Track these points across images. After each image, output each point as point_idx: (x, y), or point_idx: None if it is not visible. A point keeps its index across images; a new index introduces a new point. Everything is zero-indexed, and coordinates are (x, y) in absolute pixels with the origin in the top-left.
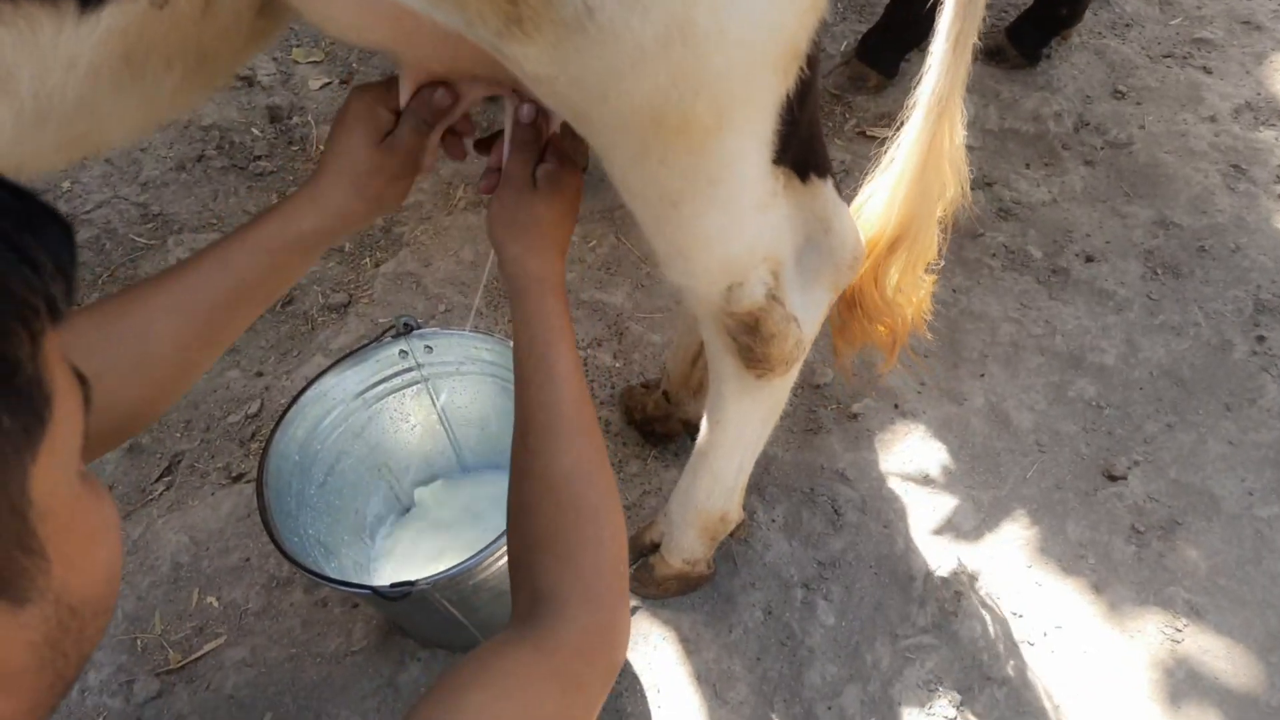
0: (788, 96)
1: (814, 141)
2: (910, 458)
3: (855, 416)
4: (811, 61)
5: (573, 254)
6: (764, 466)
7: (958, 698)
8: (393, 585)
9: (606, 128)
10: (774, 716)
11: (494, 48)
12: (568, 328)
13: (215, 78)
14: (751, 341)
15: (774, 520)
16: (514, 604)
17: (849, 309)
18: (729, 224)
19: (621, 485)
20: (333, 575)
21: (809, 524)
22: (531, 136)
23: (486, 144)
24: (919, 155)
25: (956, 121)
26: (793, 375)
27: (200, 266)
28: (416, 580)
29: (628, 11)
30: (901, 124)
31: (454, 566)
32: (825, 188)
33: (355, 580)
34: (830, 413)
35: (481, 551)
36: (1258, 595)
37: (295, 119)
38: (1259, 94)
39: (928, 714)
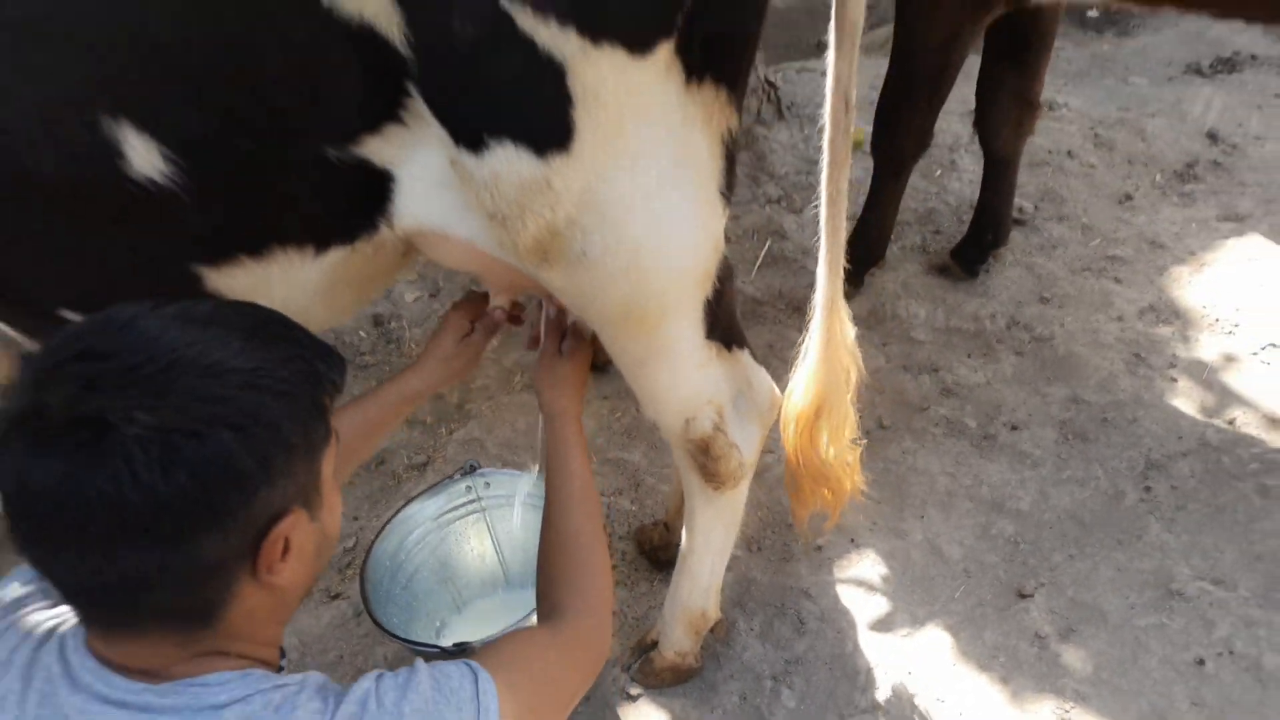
0: (707, 299)
1: (732, 325)
2: (862, 579)
3: (819, 548)
4: (722, 277)
5: (600, 421)
6: (745, 587)
7: None
8: (454, 644)
9: (598, 318)
10: None
11: (534, 274)
12: (581, 442)
13: (371, 292)
14: (706, 461)
15: (751, 628)
16: (538, 614)
17: (798, 474)
18: (680, 378)
19: (632, 601)
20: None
21: (779, 630)
22: (556, 324)
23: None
24: (821, 348)
25: (845, 321)
26: (742, 490)
27: (350, 410)
28: (471, 641)
29: (602, 253)
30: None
31: (500, 630)
32: (744, 356)
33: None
34: (799, 546)
35: (519, 620)
36: (1133, 686)
37: (393, 324)
38: (1160, 298)
39: None
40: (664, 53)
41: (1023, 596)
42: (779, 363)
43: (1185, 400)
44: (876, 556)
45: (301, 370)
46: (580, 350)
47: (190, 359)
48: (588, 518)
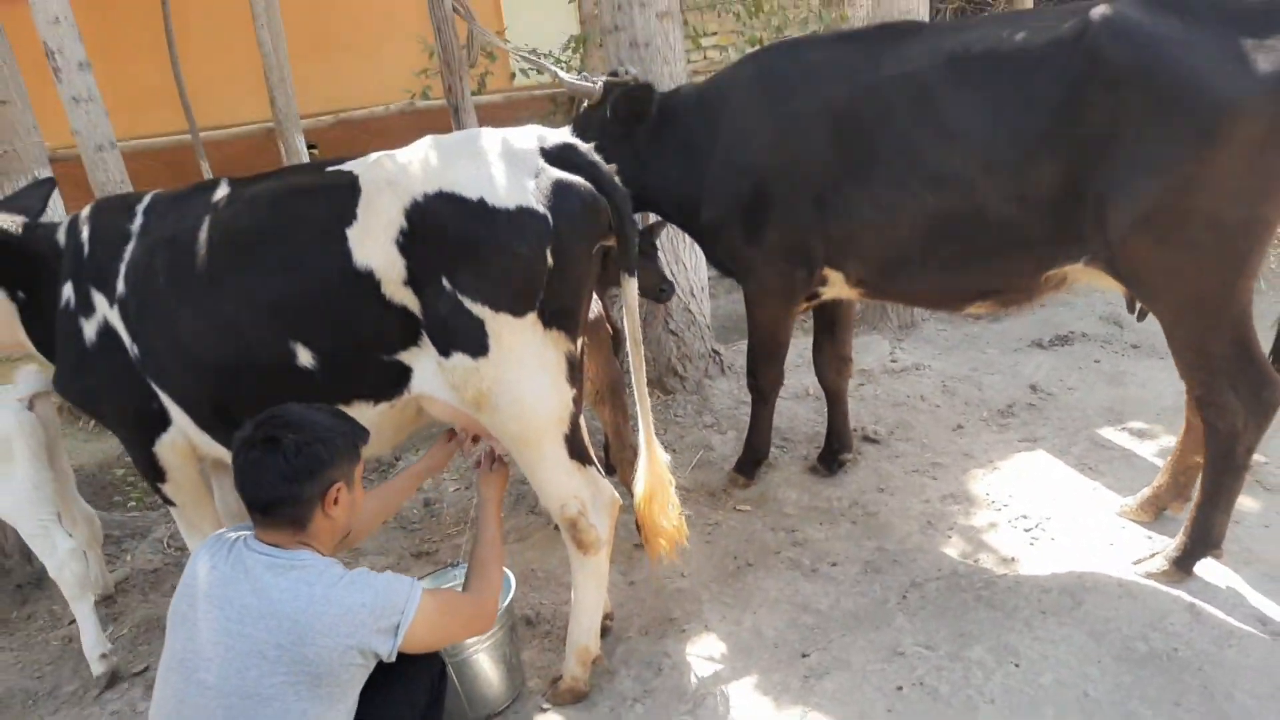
0: (565, 434)
1: (584, 451)
2: (705, 646)
3: (684, 630)
4: (574, 423)
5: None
6: (628, 648)
7: None
8: None
9: (508, 441)
10: None
11: (475, 415)
12: (497, 518)
13: (399, 436)
14: (575, 534)
15: (628, 672)
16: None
17: (647, 533)
18: (556, 479)
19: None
20: None
21: (643, 673)
22: (489, 454)
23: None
24: (647, 468)
25: (659, 453)
26: (603, 556)
27: (381, 489)
28: None
29: (506, 405)
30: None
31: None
32: (592, 470)
33: None
34: (665, 626)
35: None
36: (856, 702)
37: (436, 506)
38: (958, 489)
39: None
40: (531, 315)
41: (804, 656)
42: (698, 520)
43: (952, 549)
44: (719, 634)
45: (349, 429)
46: (501, 468)
47: (310, 419)
48: (491, 558)
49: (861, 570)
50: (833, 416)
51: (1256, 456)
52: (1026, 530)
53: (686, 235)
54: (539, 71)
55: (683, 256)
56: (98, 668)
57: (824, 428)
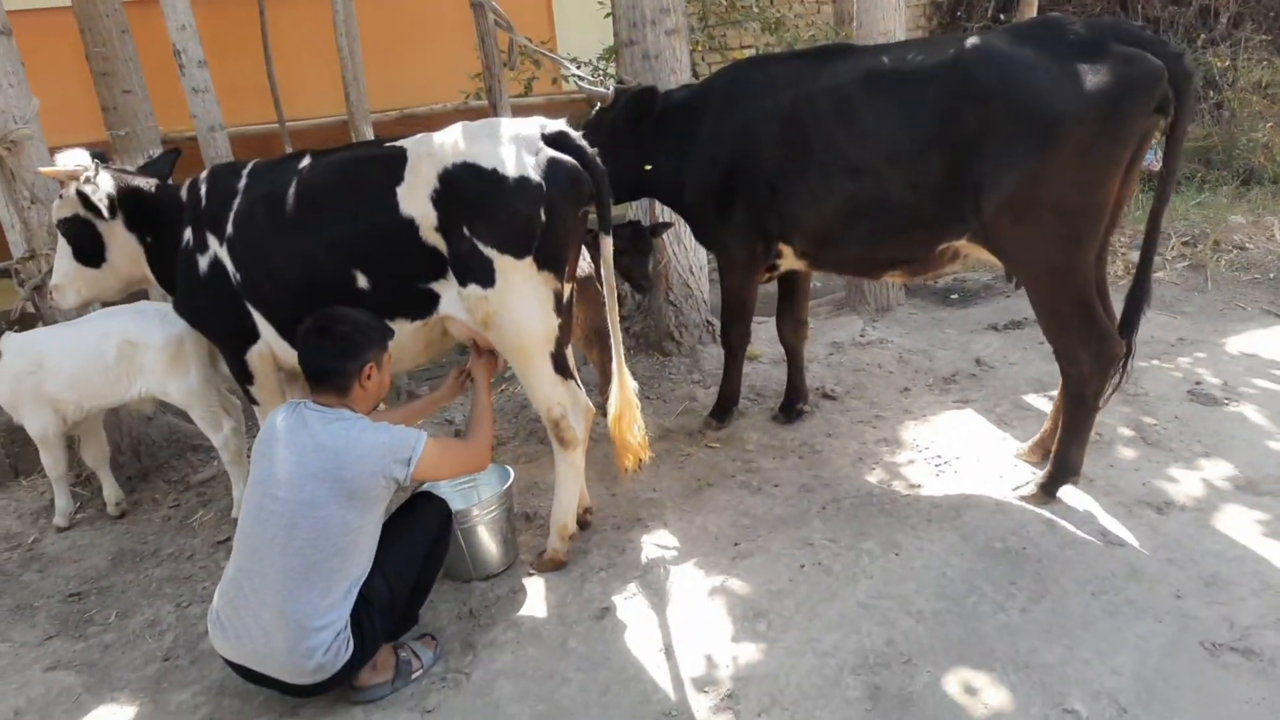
0: (552, 353)
1: (566, 367)
2: (662, 537)
3: (646, 524)
4: (559, 344)
5: None
6: (602, 536)
7: None
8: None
9: (507, 352)
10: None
11: (484, 332)
12: (487, 391)
13: (428, 351)
14: (558, 433)
15: (598, 551)
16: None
17: (617, 447)
18: (544, 387)
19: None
20: None
21: (610, 553)
22: (479, 351)
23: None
24: (619, 391)
25: (629, 381)
26: (579, 452)
27: (403, 407)
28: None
29: (507, 324)
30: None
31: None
32: (573, 384)
33: None
34: (634, 524)
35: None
36: (763, 569)
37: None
38: (892, 435)
39: None
40: (528, 259)
41: (735, 545)
42: (674, 453)
43: (873, 477)
44: (673, 530)
45: (381, 327)
46: (490, 358)
47: (353, 316)
48: (483, 418)
49: (796, 490)
50: (791, 372)
51: (1144, 417)
52: (936, 466)
53: (686, 226)
54: (575, 77)
55: (684, 239)
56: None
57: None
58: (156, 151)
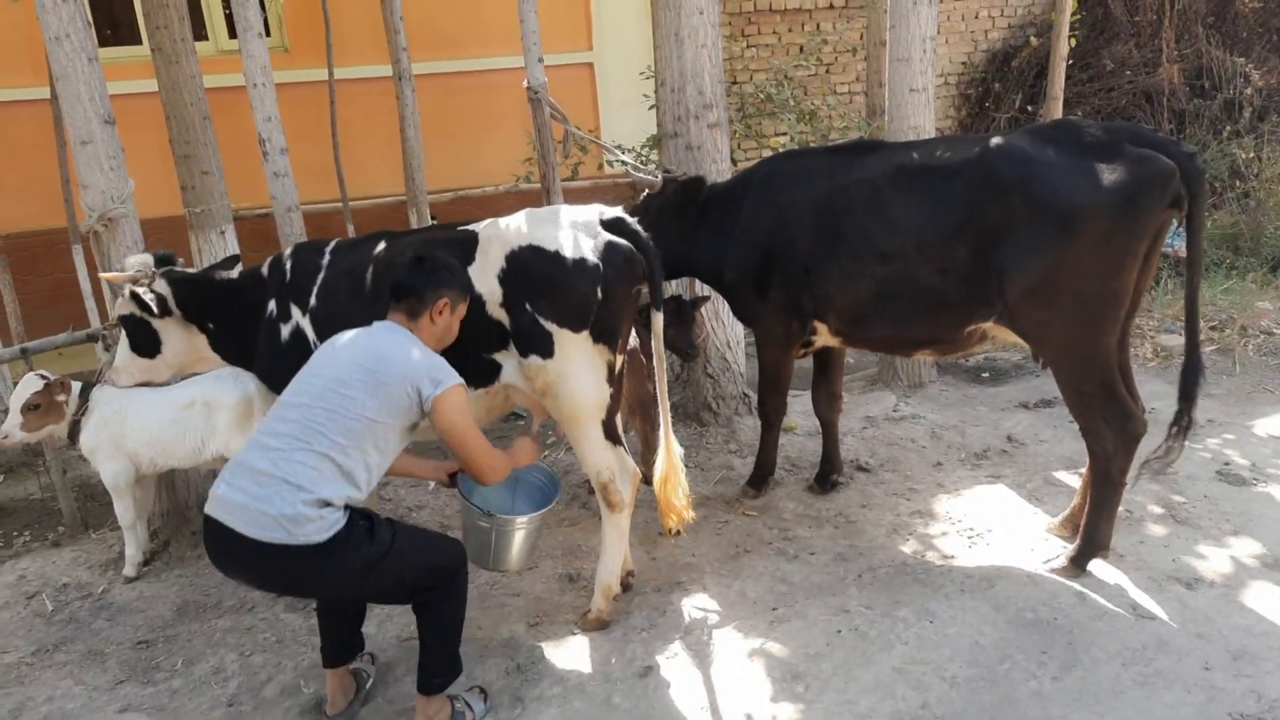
0: (603, 420)
1: (616, 435)
2: (701, 601)
3: (685, 588)
4: (610, 413)
5: None
6: (643, 598)
7: None
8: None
9: (561, 419)
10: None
11: (541, 400)
12: (519, 459)
13: (492, 415)
14: (606, 496)
15: (640, 613)
16: None
17: (662, 509)
18: (594, 452)
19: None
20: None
21: (651, 615)
22: (528, 428)
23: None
24: (664, 458)
25: (675, 447)
26: (626, 515)
27: (420, 460)
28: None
29: (562, 394)
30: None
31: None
32: (622, 450)
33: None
34: (673, 586)
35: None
36: (803, 631)
37: None
38: (925, 507)
39: None
40: (585, 332)
41: (773, 609)
42: (712, 519)
43: (907, 548)
44: (712, 593)
45: (466, 280)
46: (536, 443)
47: (448, 261)
48: (509, 465)
49: (832, 558)
50: (826, 444)
51: (1174, 496)
52: (969, 537)
53: (723, 301)
54: (617, 164)
55: (722, 315)
56: None
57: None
58: (228, 228)
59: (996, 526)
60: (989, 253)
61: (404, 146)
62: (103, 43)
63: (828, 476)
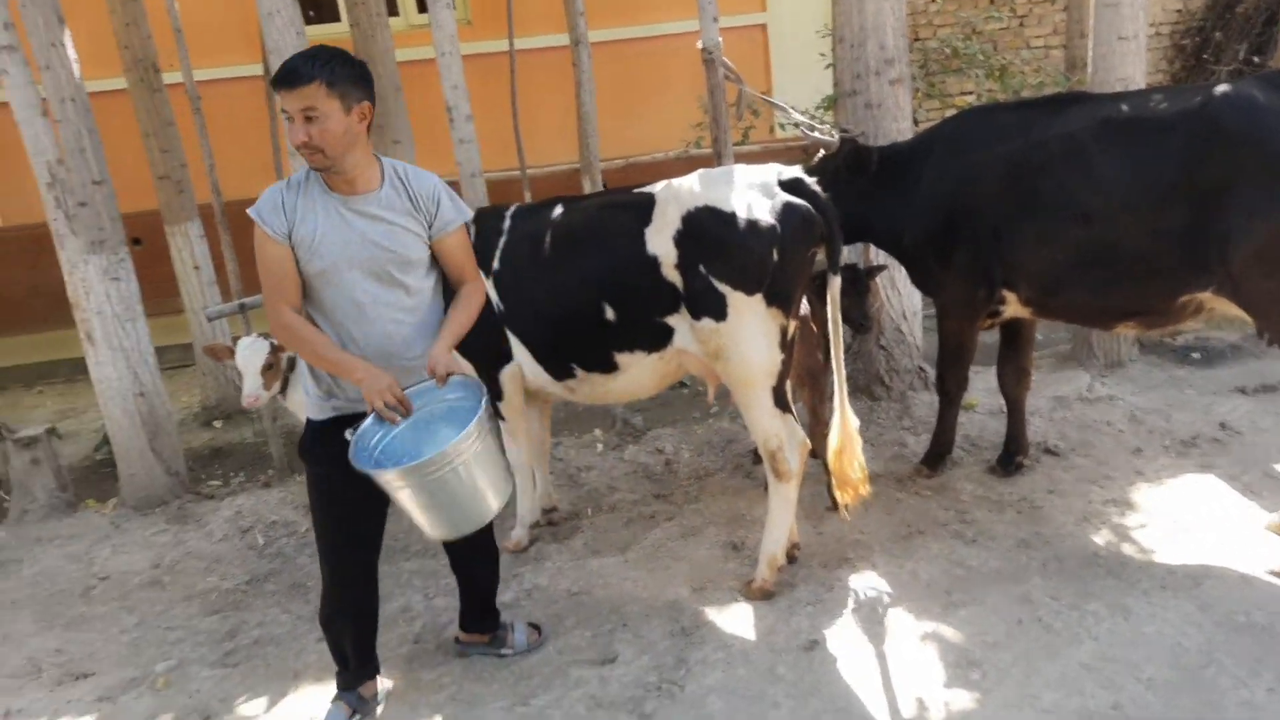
0: (773, 386)
1: (785, 401)
2: (870, 579)
3: (853, 564)
4: (780, 378)
5: None
6: (808, 570)
7: None
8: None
9: (732, 384)
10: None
11: (712, 364)
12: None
13: (662, 384)
14: (774, 465)
15: (805, 585)
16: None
17: (837, 483)
18: (763, 419)
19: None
20: None
21: (814, 588)
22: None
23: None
24: (839, 428)
25: (851, 417)
26: (793, 485)
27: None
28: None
29: (734, 357)
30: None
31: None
32: (790, 418)
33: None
34: (839, 560)
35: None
36: (993, 605)
37: (675, 464)
38: (1120, 496)
39: None
40: (759, 295)
41: (948, 594)
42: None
43: (1100, 538)
44: (882, 573)
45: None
46: None
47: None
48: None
49: (1014, 544)
50: (1012, 423)
51: None
52: (1172, 531)
53: (899, 271)
54: (795, 125)
55: (898, 284)
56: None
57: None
58: None
59: (1205, 521)
60: (1210, 214)
61: (579, 113)
62: (306, 23)
63: (1012, 458)
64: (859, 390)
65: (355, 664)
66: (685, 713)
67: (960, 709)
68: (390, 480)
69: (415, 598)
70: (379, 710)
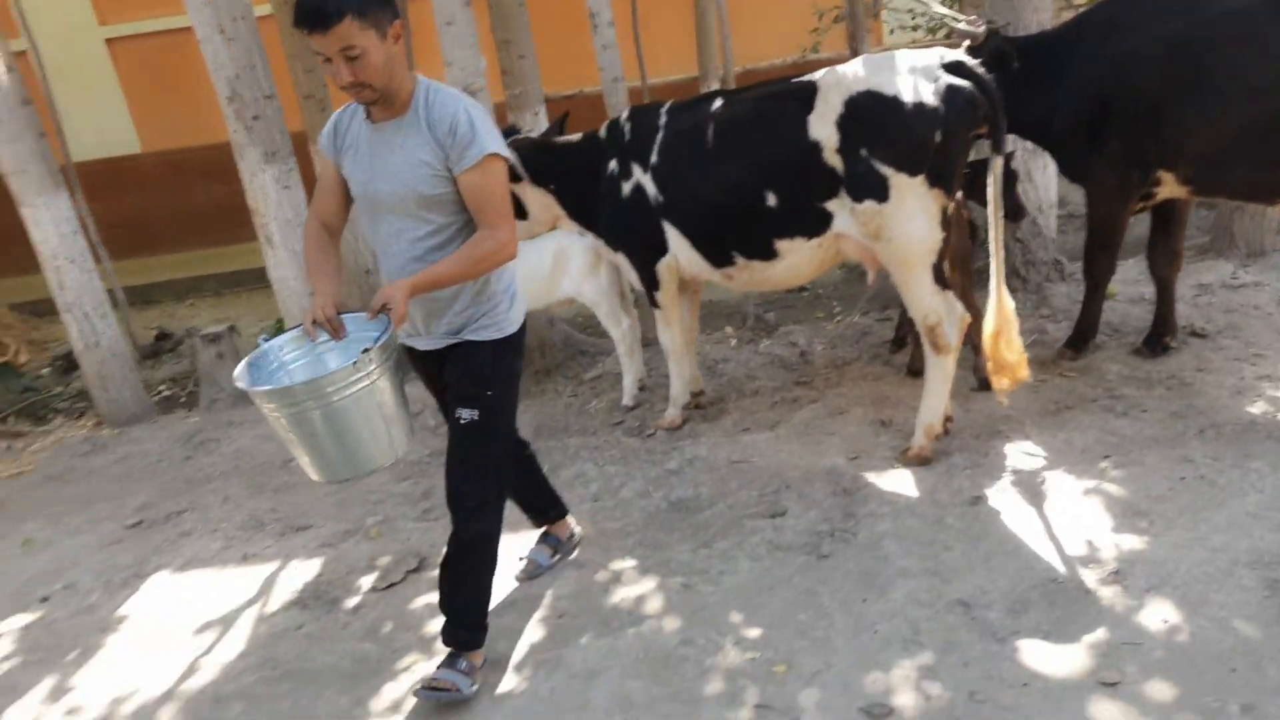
0: (933, 264)
1: (943, 278)
2: (1024, 450)
3: (1006, 436)
4: (940, 255)
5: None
6: (961, 442)
7: None
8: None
9: (891, 264)
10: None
11: (872, 246)
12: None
13: (818, 270)
14: (933, 339)
15: (959, 452)
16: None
17: (994, 366)
18: (923, 296)
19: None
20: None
21: (969, 456)
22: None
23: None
24: (995, 308)
25: (1007, 297)
26: (951, 359)
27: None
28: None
29: (895, 237)
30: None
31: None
32: (950, 294)
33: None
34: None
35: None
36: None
37: (809, 354)
38: (1274, 372)
39: None
40: (921, 176)
41: (1105, 458)
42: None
43: (1256, 408)
44: (1036, 441)
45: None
46: None
47: None
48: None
49: (1167, 415)
50: (1161, 304)
51: None
52: None
53: (1035, 164)
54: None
55: (1034, 176)
56: (628, 399)
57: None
58: (541, 109)
59: None
60: None
61: (698, 23)
62: None
63: (1159, 339)
64: None
65: (537, 511)
66: (861, 554)
67: (1130, 549)
68: (260, 401)
69: (586, 466)
70: (575, 552)
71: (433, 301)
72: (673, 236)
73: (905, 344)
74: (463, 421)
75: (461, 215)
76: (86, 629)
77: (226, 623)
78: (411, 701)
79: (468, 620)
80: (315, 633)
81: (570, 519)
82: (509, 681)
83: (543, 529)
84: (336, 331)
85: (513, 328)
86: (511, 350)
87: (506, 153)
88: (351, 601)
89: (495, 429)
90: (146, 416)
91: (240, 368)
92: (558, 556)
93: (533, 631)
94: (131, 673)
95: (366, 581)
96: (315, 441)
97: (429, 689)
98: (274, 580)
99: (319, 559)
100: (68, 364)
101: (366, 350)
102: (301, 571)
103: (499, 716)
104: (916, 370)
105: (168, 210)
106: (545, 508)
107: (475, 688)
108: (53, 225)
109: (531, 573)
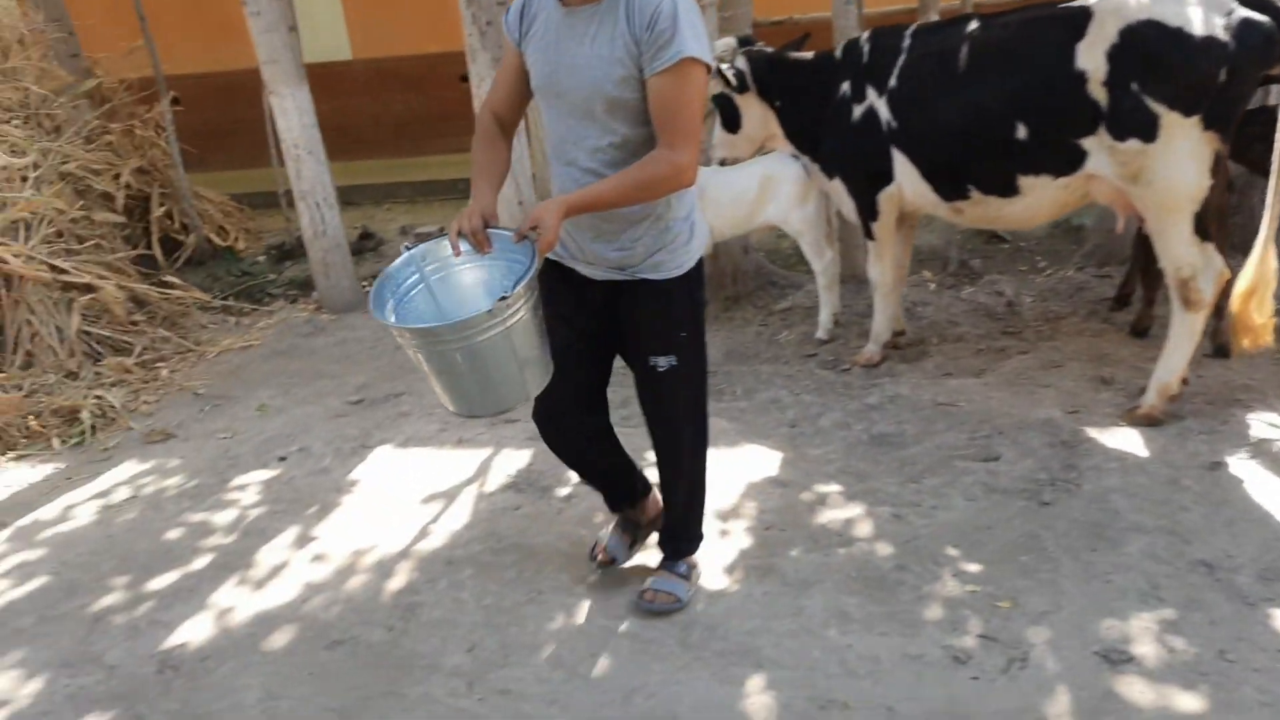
0: (1196, 212)
1: (1207, 229)
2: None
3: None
4: (1205, 203)
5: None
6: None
7: None
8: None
9: (1148, 209)
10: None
11: (1129, 190)
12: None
13: (1062, 210)
14: (1184, 293)
15: (1182, 423)
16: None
17: (1237, 326)
18: (1178, 245)
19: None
20: None
21: (1200, 422)
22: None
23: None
24: (1257, 263)
25: (1273, 253)
26: (1201, 316)
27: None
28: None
29: (1157, 180)
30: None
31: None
32: (1210, 247)
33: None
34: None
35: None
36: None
37: (1017, 305)
38: None
39: None
40: (1196, 117)
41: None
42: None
43: None
44: (1278, 413)
45: None
46: None
47: None
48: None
49: None
50: None
51: None
52: None
53: None
54: None
55: None
56: (823, 333)
57: None
58: (748, 29)
59: None
60: None
61: None
62: None
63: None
64: (1234, 248)
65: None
66: (1087, 506)
67: None
68: (397, 336)
69: (781, 393)
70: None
71: (604, 222)
72: (900, 165)
73: (1128, 302)
74: (660, 370)
75: (650, 126)
76: (323, 488)
77: (449, 497)
78: (627, 584)
79: (688, 532)
80: (532, 514)
81: (656, 493)
82: (720, 580)
83: (618, 515)
84: (481, 246)
85: (692, 262)
86: (695, 285)
87: (709, 59)
88: (563, 491)
89: (694, 370)
90: (360, 306)
91: (375, 288)
92: (636, 547)
93: (740, 539)
94: (367, 530)
95: (574, 475)
96: (451, 379)
97: (649, 602)
98: (489, 464)
99: (529, 450)
100: (280, 253)
101: (504, 298)
102: (514, 459)
103: (717, 611)
104: (1141, 330)
105: (369, 117)
106: (633, 484)
107: (692, 593)
108: (297, 116)
109: (605, 564)
